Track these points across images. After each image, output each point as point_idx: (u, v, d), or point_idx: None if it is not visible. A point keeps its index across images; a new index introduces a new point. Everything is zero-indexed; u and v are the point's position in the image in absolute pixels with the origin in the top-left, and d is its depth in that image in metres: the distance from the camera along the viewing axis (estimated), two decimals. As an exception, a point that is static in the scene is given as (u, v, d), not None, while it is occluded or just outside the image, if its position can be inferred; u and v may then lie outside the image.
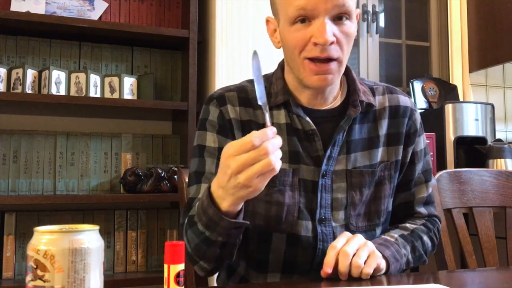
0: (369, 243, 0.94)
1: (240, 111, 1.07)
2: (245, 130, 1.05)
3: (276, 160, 0.79)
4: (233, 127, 1.06)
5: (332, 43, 0.95)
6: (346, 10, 0.96)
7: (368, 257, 0.92)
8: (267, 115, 0.84)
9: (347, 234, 0.96)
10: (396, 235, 1.07)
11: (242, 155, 0.79)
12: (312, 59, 0.97)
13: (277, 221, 1.03)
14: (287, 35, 1.00)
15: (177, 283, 0.63)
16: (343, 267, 0.89)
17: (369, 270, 0.90)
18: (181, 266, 0.63)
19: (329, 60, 0.97)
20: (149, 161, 2.13)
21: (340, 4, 0.95)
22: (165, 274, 0.63)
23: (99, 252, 0.61)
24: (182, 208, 1.08)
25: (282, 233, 1.04)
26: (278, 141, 0.79)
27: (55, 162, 1.99)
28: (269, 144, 0.78)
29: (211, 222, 0.88)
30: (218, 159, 1.03)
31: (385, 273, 0.97)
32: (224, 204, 0.86)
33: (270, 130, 0.79)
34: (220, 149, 1.03)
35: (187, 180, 1.19)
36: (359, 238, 0.94)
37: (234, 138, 1.06)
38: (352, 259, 0.90)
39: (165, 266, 0.63)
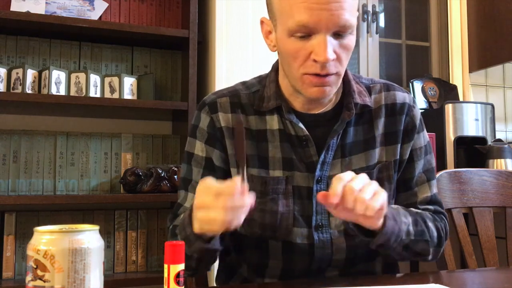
0: (375, 183, 0.88)
1: (231, 118, 1.05)
2: None
3: (230, 218, 0.80)
4: (224, 135, 1.05)
5: (332, 60, 0.93)
6: (349, 27, 0.93)
7: (373, 195, 0.86)
8: (244, 170, 0.82)
9: (352, 172, 0.89)
10: (397, 206, 1.03)
11: (204, 197, 0.82)
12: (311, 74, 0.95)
13: (272, 229, 1.02)
14: (285, 44, 0.96)
15: (177, 283, 0.63)
16: (348, 203, 0.84)
17: (374, 204, 0.84)
18: (181, 266, 0.63)
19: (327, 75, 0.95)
20: (149, 161, 2.13)
21: (341, 23, 0.91)
22: (165, 274, 0.63)
23: (99, 252, 0.61)
24: (173, 210, 1.10)
25: (277, 240, 1.03)
26: (241, 201, 0.79)
27: (55, 162, 1.99)
28: (228, 201, 0.79)
29: (187, 240, 0.91)
30: (205, 168, 1.05)
31: (382, 230, 0.92)
32: (195, 226, 0.88)
33: (239, 187, 0.79)
34: (207, 159, 1.05)
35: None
36: (364, 176, 0.89)
37: (222, 147, 1.06)
38: (357, 194, 0.84)
39: (165, 266, 0.63)
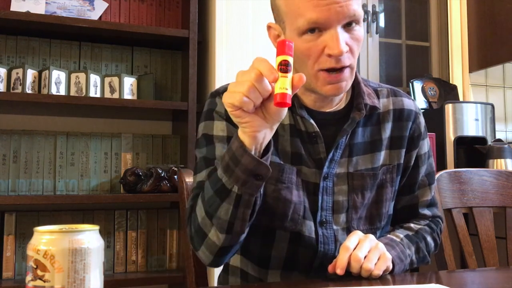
0: (380, 245, 0.95)
1: None
2: None
3: (251, 95, 0.81)
4: None
5: (346, 52, 0.94)
6: (356, 18, 0.95)
7: (378, 260, 0.93)
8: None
9: (359, 234, 0.96)
10: (401, 235, 1.07)
11: (241, 73, 0.83)
12: (327, 70, 0.96)
13: (282, 218, 1.03)
14: (295, 45, 0.95)
15: (280, 70, 0.79)
16: (354, 270, 0.91)
17: (378, 272, 0.92)
18: (283, 57, 0.80)
19: (342, 68, 0.96)
20: (149, 161, 2.13)
21: (351, 14, 0.93)
22: (275, 65, 0.80)
23: (99, 252, 0.61)
24: (191, 191, 1.03)
25: (286, 231, 1.04)
26: (265, 84, 0.81)
27: (55, 162, 1.99)
28: (255, 76, 0.80)
29: (232, 160, 0.87)
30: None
31: (390, 273, 0.97)
32: (245, 140, 0.86)
33: (268, 68, 0.80)
34: (229, 138, 1.01)
35: (187, 179, 1.19)
36: (371, 239, 0.95)
37: None
38: (363, 264, 0.91)
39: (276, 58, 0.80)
